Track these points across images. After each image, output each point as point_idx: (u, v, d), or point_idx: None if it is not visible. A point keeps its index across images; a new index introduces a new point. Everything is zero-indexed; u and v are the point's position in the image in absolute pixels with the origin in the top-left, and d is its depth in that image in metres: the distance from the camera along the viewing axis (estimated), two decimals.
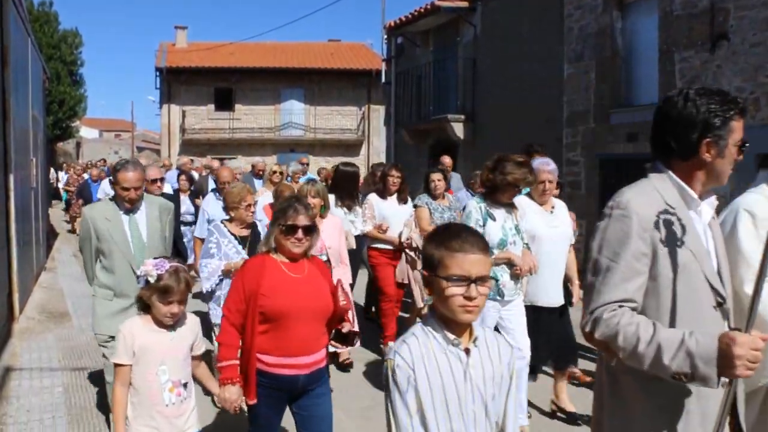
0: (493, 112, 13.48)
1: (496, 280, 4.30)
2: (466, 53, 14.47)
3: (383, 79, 18.61)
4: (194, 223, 8.02)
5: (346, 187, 6.74)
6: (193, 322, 3.18)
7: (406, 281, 6.49)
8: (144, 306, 3.07)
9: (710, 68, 8.67)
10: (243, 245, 4.80)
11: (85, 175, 17.54)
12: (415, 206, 6.69)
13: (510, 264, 4.37)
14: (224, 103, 30.33)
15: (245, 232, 4.88)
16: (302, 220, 3.20)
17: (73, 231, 16.17)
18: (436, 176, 6.78)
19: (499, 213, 4.44)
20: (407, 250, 6.40)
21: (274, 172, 7.71)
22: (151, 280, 2.97)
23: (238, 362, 3.16)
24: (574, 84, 11.14)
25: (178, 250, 5.50)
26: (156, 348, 3.00)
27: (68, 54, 32.35)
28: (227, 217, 4.98)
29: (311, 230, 3.24)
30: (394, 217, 6.47)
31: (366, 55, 32.09)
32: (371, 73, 28.89)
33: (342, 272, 5.20)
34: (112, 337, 3.76)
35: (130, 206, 4.26)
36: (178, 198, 8.57)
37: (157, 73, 29.96)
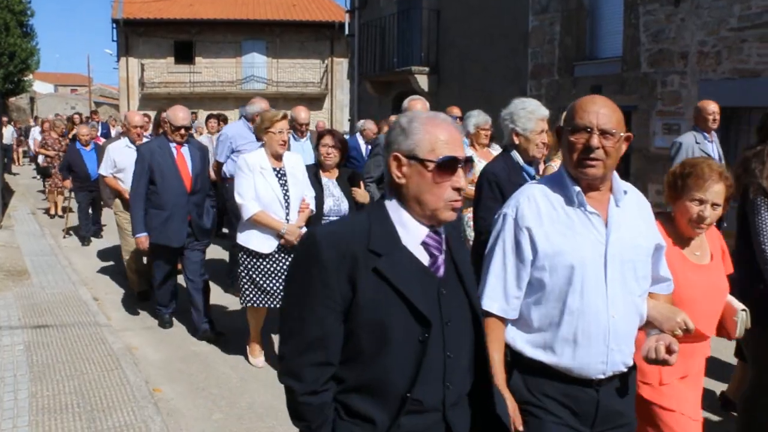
0: (457, 64, 13.37)
1: None
2: (430, 4, 14.25)
3: (347, 31, 18.27)
4: None
5: None
6: None
7: None
8: None
9: (674, 21, 8.69)
10: None
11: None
12: None
13: None
14: (184, 56, 29.55)
15: None
16: None
17: (50, 212, 12.86)
18: None
19: None
20: None
21: (479, 128, 4.77)
22: None
23: None
24: (539, 36, 11.09)
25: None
26: None
27: (16, 3, 30.89)
28: None
29: None
30: None
31: (329, 7, 31.47)
32: (334, 25, 28.42)
33: None
34: None
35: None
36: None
37: (114, 25, 28.94)
